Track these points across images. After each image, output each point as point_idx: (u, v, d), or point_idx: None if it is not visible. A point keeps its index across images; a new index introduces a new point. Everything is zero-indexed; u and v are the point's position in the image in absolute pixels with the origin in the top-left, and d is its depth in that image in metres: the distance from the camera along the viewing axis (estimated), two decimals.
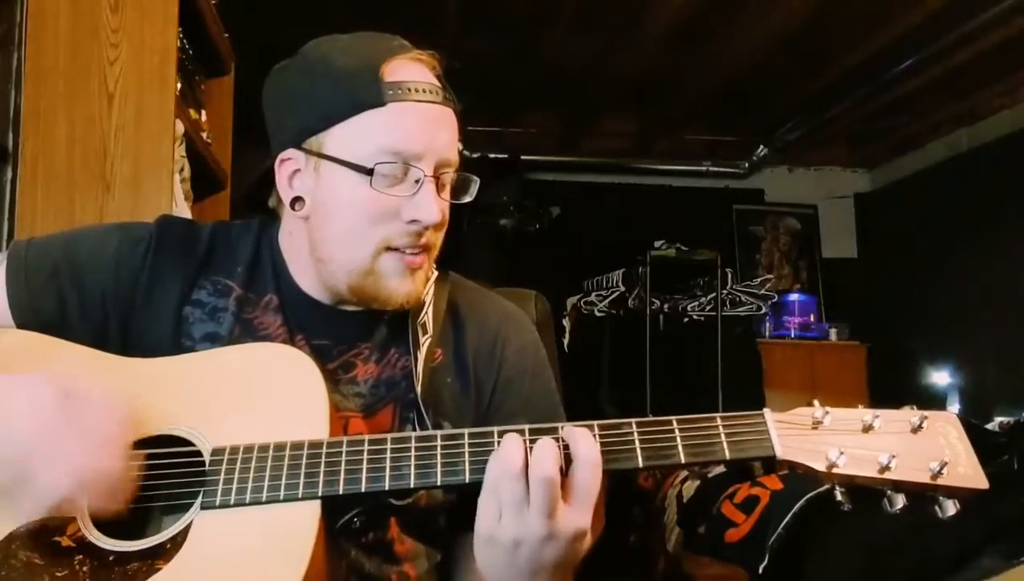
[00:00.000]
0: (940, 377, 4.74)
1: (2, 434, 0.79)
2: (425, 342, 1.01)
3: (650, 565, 3.07)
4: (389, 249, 0.95)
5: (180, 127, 1.91)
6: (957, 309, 4.74)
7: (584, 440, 0.80)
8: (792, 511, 2.46)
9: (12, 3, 1.82)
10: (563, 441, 0.81)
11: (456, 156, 0.98)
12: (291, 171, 0.98)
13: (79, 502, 0.80)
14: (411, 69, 0.96)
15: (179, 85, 1.94)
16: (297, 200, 0.99)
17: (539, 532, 0.78)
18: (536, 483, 0.77)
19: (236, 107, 2.58)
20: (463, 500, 1.00)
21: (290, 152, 0.97)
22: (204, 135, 2.31)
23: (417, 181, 0.94)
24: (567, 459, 0.79)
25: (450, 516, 1.02)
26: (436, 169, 0.95)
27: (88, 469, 0.79)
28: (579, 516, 0.79)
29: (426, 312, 1.04)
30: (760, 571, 2.45)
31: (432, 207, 0.94)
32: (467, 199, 1.02)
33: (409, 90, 0.93)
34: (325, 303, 1.02)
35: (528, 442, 0.80)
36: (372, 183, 0.92)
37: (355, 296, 0.99)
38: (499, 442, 0.82)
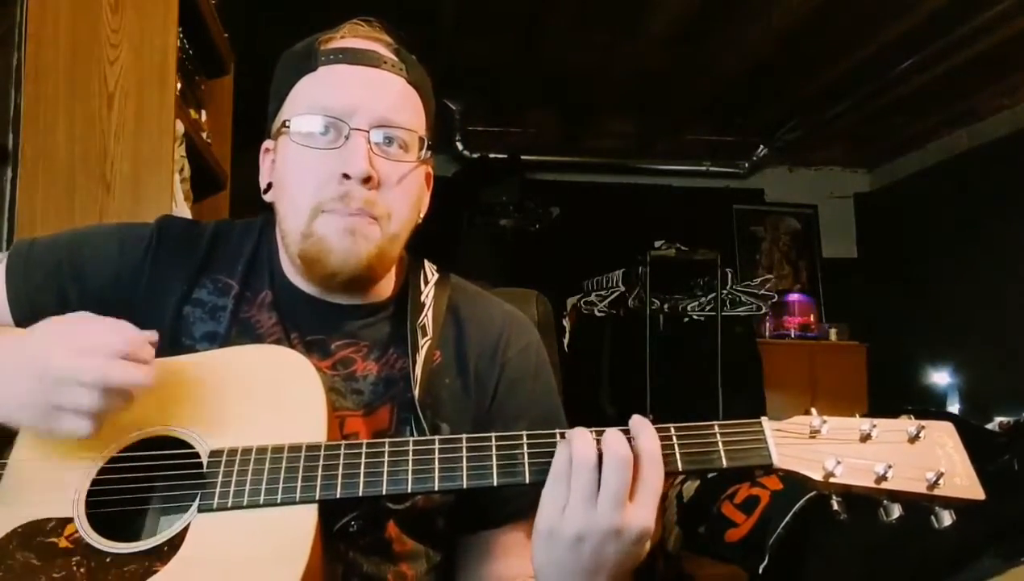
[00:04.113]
0: (940, 377, 4.74)
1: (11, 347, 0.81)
2: (424, 344, 1.00)
3: (650, 565, 3.07)
4: (324, 212, 0.93)
5: (180, 127, 1.91)
6: (957, 309, 4.73)
7: (648, 434, 0.78)
8: (792, 511, 2.45)
9: (12, 3, 1.82)
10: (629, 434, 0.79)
11: (404, 119, 0.96)
12: (270, 161, 1.02)
13: (115, 376, 0.78)
14: (351, 41, 0.98)
15: (179, 85, 1.94)
16: (269, 186, 1.02)
17: (606, 525, 0.75)
18: (613, 467, 0.75)
19: (236, 107, 2.59)
20: (463, 502, 1.00)
21: (267, 142, 1.03)
22: (204, 135, 2.31)
23: (347, 137, 0.93)
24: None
25: (451, 518, 1.01)
26: (372, 126, 0.94)
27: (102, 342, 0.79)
28: (645, 513, 0.77)
29: (426, 314, 1.03)
30: (760, 571, 2.44)
31: (358, 159, 0.91)
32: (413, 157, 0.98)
33: (342, 55, 0.96)
34: (316, 297, 1.01)
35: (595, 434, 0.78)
36: (291, 137, 0.94)
37: (305, 266, 0.97)
38: (496, 446, 0.82)
